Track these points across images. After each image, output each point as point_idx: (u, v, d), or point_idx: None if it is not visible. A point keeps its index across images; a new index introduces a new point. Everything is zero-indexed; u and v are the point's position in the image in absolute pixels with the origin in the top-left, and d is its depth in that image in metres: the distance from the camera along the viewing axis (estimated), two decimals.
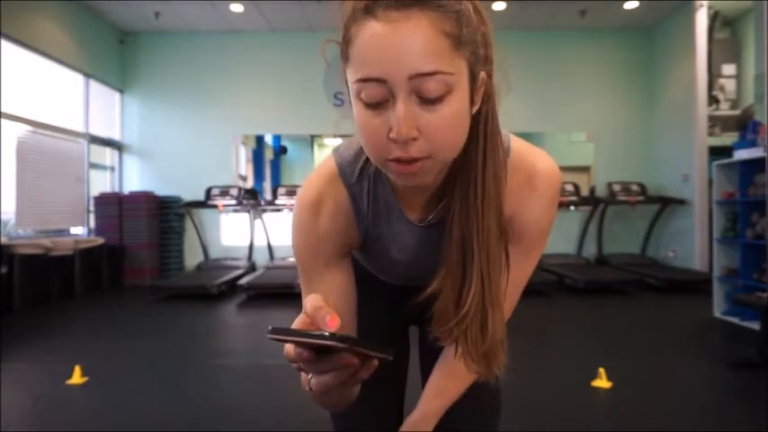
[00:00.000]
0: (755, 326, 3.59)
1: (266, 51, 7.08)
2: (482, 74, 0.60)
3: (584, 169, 7.42)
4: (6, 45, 5.04)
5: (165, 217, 6.68)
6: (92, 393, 2.61)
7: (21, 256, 4.73)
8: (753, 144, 3.86)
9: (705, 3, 5.97)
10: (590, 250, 6.85)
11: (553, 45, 7.06)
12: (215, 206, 6.44)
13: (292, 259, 6.70)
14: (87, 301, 5.30)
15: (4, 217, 5.09)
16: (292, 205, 6.85)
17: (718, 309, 4.17)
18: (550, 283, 5.21)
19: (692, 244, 6.13)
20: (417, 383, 0.96)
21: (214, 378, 2.89)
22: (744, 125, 4.42)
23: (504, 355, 0.71)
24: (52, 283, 5.17)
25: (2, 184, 4.86)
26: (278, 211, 6.75)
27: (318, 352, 0.48)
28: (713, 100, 6.41)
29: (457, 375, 0.84)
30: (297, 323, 0.52)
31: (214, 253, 6.94)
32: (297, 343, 0.48)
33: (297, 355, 0.48)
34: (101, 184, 6.82)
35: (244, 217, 6.99)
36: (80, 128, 6.33)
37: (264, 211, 6.80)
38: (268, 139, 8.99)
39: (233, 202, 6.40)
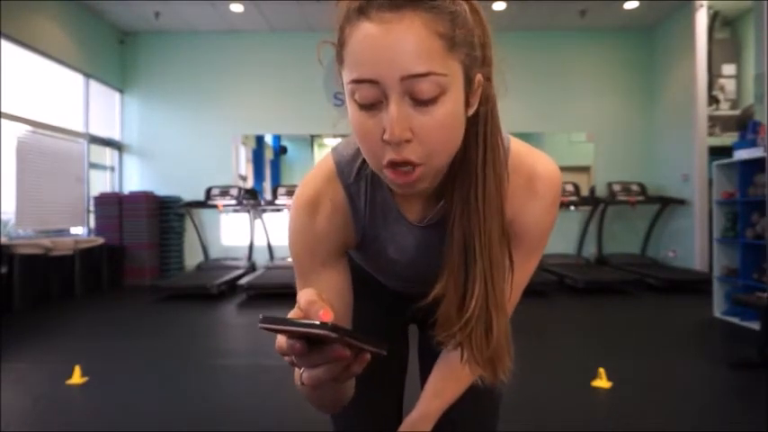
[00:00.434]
0: (755, 326, 3.59)
1: (266, 51, 7.08)
2: (478, 75, 0.60)
3: (585, 169, 7.42)
4: (6, 45, 5.04)
5: (165, 217, 6.68)
6: (92, 393, 2.61)
7: (21, 256, 4.73)
8: (753, 144, 3.86)
9: (705, 3, 5.97)
10: (590, 250, 6.85)
11: (553, 45, 7.06)
12: (215, 206, 6.44)
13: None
14: (87, 301, 5.30)
15: (4, 217, 5.09)
16: None
17: (718, 309, 4.17)
18: (550, 283, 5.21)
19: (692, 244, 6.13)
20: (417, 383, 0.96)
21: (214, 378, 2.89)
22: (744, 125, 4.42)
23: (510, 359, 0.70)
24: (52, 283, 5.17)
25: (2, 184, 4.86)
26: (278, 211, 6.75)
27: (311, 345, 0.48)
28: (713, 100, 6.41)
29: (456, 376, 0.84)
30: (290, 317, 0.51)
31: (214, 253, 6.94)
32: (288, 333, 0.47)
33: (289, 347, 0.48)
34: (101, 184, 6.82)
35: (244, 217, 6.99)
36: (80, 128, 6.33)
37: (264, 211, 6.80)
38: (268, 139, 8.99)
39: (233, 202, 6.40)
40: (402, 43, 0.53)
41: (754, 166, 3.84)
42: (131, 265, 6.28)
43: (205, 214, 6.96)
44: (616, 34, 7.10)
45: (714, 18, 6.52)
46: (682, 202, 6.25)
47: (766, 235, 3.66)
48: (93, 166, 6.58)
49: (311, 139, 8.99)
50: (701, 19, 6.03)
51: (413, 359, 1.05)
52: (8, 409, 2.38)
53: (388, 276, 0.87)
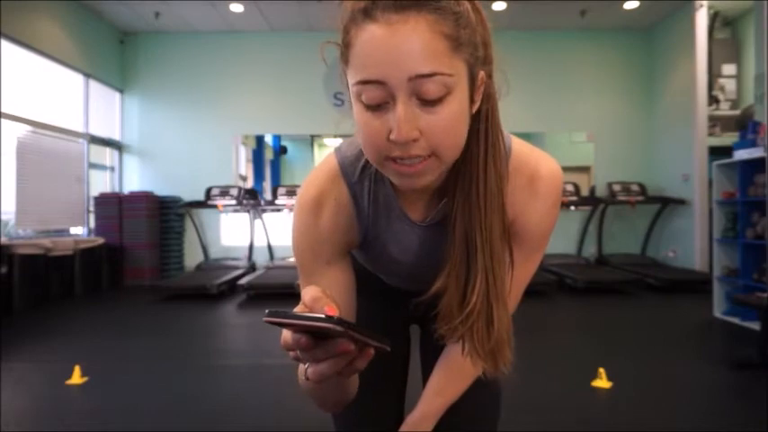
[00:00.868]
0: (755, 326, 3.59)
1: (266, 51, 7.08)
2: (481, 73, 0.61)
3: (585, 169, 7.42)
4: (6, 45, 5.04)
5: (165, 217, 6.68)
6: (92, 393, 2.61)
7: (21, 256, 4.73)
8: (753, 144, 3.86)
9: (705, 3, 5.97)
10: (590, 250, 6.85)
11: (553, 45, 7.07)
12: (215, 206, 6.44)
13: (292, 259, 6.69)
14: (87, 301, 5.30)
15: (4, 217, 5.08)
16: (293, 205, 6.84)
17: (719, 309, 4.17)
18: (550, 283, 5.21)
19: (692, 244, 6.13)
20: (418, 383, 0.96)
21: (214, 378, 2.89)
22: (744, 125, 4.42)
23: (510, 351, 0.71)
24: (52, 283, 5.17)
25: (2, 184, 4.86)
26: (278, 211, 6.75)
27: (316, 339, 0.48)
28: (713, 100, 6.41)
29: (458, 374, 0.84)
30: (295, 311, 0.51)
31: (214, 253, 6.94)
32: (293, 327, 0.47)
33: (294, 342, 0.48)
34: (101, 184, 6.82)
35: (244, 217, 6.99)
36: (80, 128, 6.33)
37: (264, 211, 6.80)
38: (268, 139, 8.99)
39: (233, 202, 6.40)
40: (408, 44, 0.53)
41: (754, 166, 3.84)
42: (131, 265, 6.28)
43: (205, 214, 6.96)
44: (616, 34, 7.10)
45: (714, 18, 6.52)
46: (682, 202, 6.25)
47: (766, 235, 3.66)
48: (93, 166, 6.57)
49: (311, 139, 8.99)
50: (701, 19, 6.03)
51: (414, 358, 1.05)
52: (8, 409, 2.38)
53: (391, 275, 0.87)
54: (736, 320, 3.93)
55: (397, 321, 1.02)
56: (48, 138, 5.67)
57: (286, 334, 0.49)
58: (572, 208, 6.86)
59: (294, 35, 6.96)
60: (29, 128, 5.37)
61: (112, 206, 6.26)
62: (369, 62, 0.55)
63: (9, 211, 5.10)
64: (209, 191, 6.51)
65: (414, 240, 0.76)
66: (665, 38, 6.76)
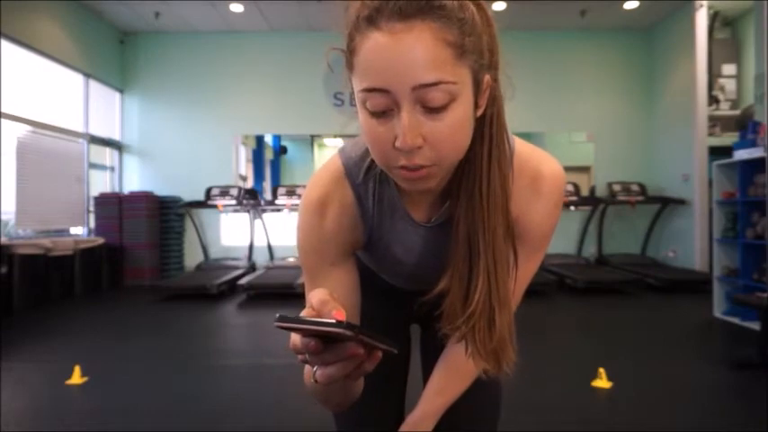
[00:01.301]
0: (755, 326, 3.59)
1: (266, 51, 7.08)
2: (486, 77, 0.61)
3: (585, 169, 7.42)
4: (6, 45, 5.04)
5: (165, 217, 6.68)
6: (92, 393, 2.61)
7: (21, 256, 4.72)
8: (753, 144, 3.86)
9: (705, 3, 5.97)
10: (590, 250, 6.85)
11: (553, 45, 7.07)
12: (215, 206, 6.44)
13: (292, 259, 6.72)
14: (87, 301, 5.30)
15: (4, 217, 5.08)
16: (293, 205, 6.82)
17: (719, 309, 4.17)
18: (550, 283, 5.21)
19: (692, 244, 6.13)
20: (419, 382, 0.96)
21: (214, 378, 2.89)
22: (744, 125, 4.42)
23: (513, 352, 0.71)
24: (52, 283, 5.17)
25: (2, 184, 4.86)
26: (278, 211, 6.75)
27: (324, 343, 0.48)
28: (713, 100, 6.41)
29: (458, 374, 0.84)
30: (303, 316, 0.52)
31: (214, 253, 6.94)
32: (303, 332, 0.48)
33: (304, 346, 0.48)
34: (101, 184, 6.82)
35: (244, 217, 6.99)
36: (80, 128, 6.33)
37: (264, 211, 6.80)
38: (268, 139, 8.99)
39: (233, 202, 6.40)
40: (412, 54, 0.53)
41: (754, 166, 3.84)
42: (131, 265, 6.28)
43: (205, 214, 6.96)
44: (616, 34, 7.10)
45: (714, 18, 6.51)
46: (682, 202, 6.25)
47: (766, 235, 3.66)
48: (93, 166, 6.57)
49: (311, 139, 8.98)
50: (701, 19, 6.03)
51: (415, 358, 1.05)
52: (8, 409, 2.38)
53: (394, 275, 0.88)
54: (736, 320, 3.93)
55: (398, 321, 1.02)
56: (48, 138, 5.67)
57: (295, 337, 0.50)
58: (572, 208, 6.86)
59: (294, 35, 6.96)
60: (29, 128, 5.37)
61: (112, 206, 6.26)
62: (373, 71, 0.55)
63: (9, 211, 5.10)
64: (209, 191, 6.51)
65: (417, 241, 0.77)
66: (665, 38, 6.76)
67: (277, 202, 6.40)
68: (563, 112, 7.13)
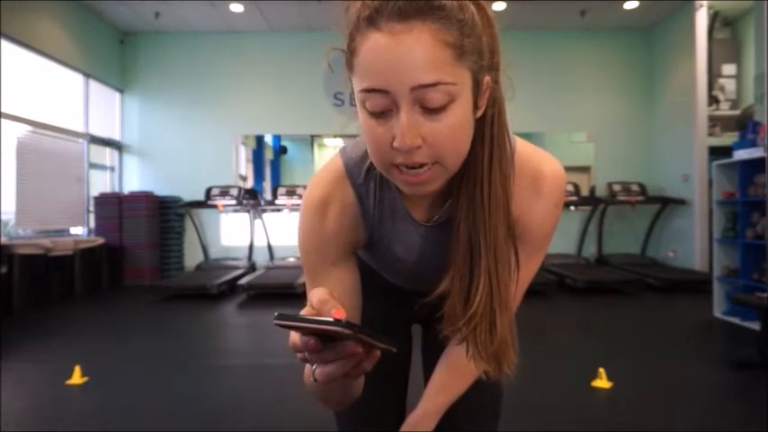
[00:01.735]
0: (756, 326, 3.59)
1: (266, 51, 7.08)
2: (486, 78, 0.61)
3: (585, 169, 7.42)
4: (6, 45, 5.04)
5: (165, 217, 6.68)
6: (92, 393, 2.61)
7: (21, 256, 4.72)
8: (753, 144, 3.86)
9: (705, 3, 5.97)
10: (590, 250, 6.85)
11: (553, 45, 7.07)
12: (215, 206, 6.44)
13: (292, 259, 6.71)
14: (87, 301, 5.30)
15: (4, 217, 5.08)
16: (293, 205, 6.80)
17: (719, 309, 4.17)
18: (550, 283, 5.21)
19: (692, 244, 6.13)
20: (420, 382, 0.96)
21: (214, 378, 2.89)
22: (744, 125, 4.42)
23: (514, 354, 0.71)
24: (52, 283, 5.17)
25: (2, 184, 4.86)
26: (278, 211, 6.75)
27: (324, 341, 0.49)
28: (713, 100, 6.41)
29: (459, 373, 0.84)
30: (303, 314, 0.52)
31: (214, 253, 6.94)
32: (302, 330, 0.48)
33: (303, 344, 0.48)
34: (101, 184, 6.82)
35: (244, 217, 6.99)
36: (80, 128, 6.33)
37: (264, 211, 6.80)
38: (268, 139, 8.99)
39: (233, 202, 6.40)
40: (411, 54, 0.53)
41: (754, 166, 3.84)
42: (131, 265, 6.28)
43: (205, 214, 6.96)
44: (616, 34, 7.10)
45: (714, 18, 6.51)
46: (682, 202, 6.25)
47: (766, 235, 3.66)
48: (93, 166, 6.58)
49: (311, 139, 8.99)
50: (701, 19, 6.03)
51: (416, 357, 1.05)
52: (8, 409, 2.38)
53: (395, 275, 0.88)
54: (736, 320, 3.93)
55: (399, 320, 1.02)
56: (48, 138, 5.67)
57: (294, 336, 0.50)
58: (572, 208, 6.86)
59: (294, 35, 6.96)
60: (29, 128, 5.37)
61: (112, 206, 6.26)
62: (372, 71, 0.55)
63: (9, 211, 5.10)
64: (209, 191, 6.51)
65: (418, 241, 0.77)
66: (665, 38, 6.76)
67: (277, 202, 6.40)
68: (563, 112, 7.13)
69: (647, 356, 3.17)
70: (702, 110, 6.04)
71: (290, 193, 6.38)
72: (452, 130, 0.57)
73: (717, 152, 5.65)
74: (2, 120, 4.90)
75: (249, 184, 8.17)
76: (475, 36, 0.57)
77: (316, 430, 2.07)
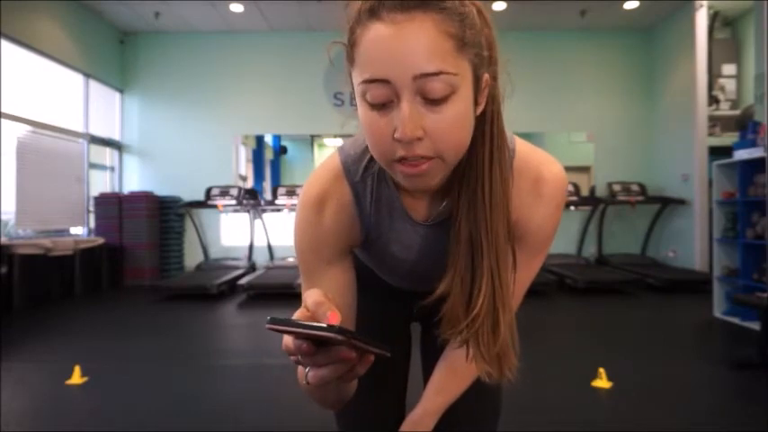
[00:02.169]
0: (756, 326, 3.59)
1: (266, 51, 7.08)
2: (485, 75, 0.61)
3: (585, 169, 7.42)
4: (6, 45, 5.04)
5: (165, 217, 6.68)
6: (92, 393, 2.61)
7: (21, 256, 4.72)
8: (753, 144, 3.86)
9: (705, 3, 5.97)
10: (590, 250, 6.85)
11: (553, 45, 7.07)
12: (215, 206, 6.44)
13: (292, 259, 6.72)
14: (87, 301, 5.30)
15: (4, 217, 5.08)
16: (293, 205, 6.80)
17: (719, 309, 4.17)
18: (550, 283, 5.20)
19: (692, 244, 6.13)
20: (420, 382, 0.96)
21: (214, 378, 2.89)
22: (744, 125, 4.42)
23: (514, 356, 0.71)
24: (52, 283, 5.17)
25: (2, 184, 4.85)
26: (278, 211, 6.75)
27: (317, 345, 0.48)
28: (713, 100, 6.41)
29: (458, 374, 0.84)
30: (296, 317, 0.51)
31: (214, 253, 6.94)
32: (295, 334, 0.48)
33: (296, 348, 0.48)
34: (101, 184, 6.82)
35: (244, 217, 6.99)
36: (80, 128, 6.33)
37: (264, 211, 6.80)
38: (268, 139, 8.99)
39: (233, 202, 6.40)
40: (413, 43, 0.53)
41: (754, 166, 3.84)
42: (131, 265, 6.28)
43: (205, 214, 6.96)
44: (616, 34, 7.10)
45: (714, 18, 6.51)
46: (682, 202, 6.25)
47: (766, 235, 3.66)
48: (93, 166, 6.58)
49: (311, 139, 8.98)
50: (701, 19, 6.03)
51: (415, 358, 1.05)
52: (8, 409, 2.38)
53: (393, 275, 0.87)
54: (736, 320, 3.93)
55: (398, 320, 1.02)
56: (48, 138, 5.67)
57: (287, 339, 0.50)
58: (572, 208, 6.86)
59: (294, 35, 6.96)
60: (29, 128, 5.37)
61: (112, 206, 6.26)
62: (374, 61, 0.55)
63: (9, 211, 5.10)
64: (209, 191, 6.51)
65: (416, 240, 0.76)
66: (665, 38, 6.76)
67: (277, 202, 6.40)
68: (563, 112, 7.13)
69: (647, 356, 3.17)
70: (702, 110, 6.04)
71: (290, 193, 6.38)
72: (453, 123, 0.57)
73: (717, 152, 5.65)
74: (2, 120, 4.91)
75: (249, 184, 8.17)
76: (475, 29, 0.57)
77: (316, 430, 2.07)
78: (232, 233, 7.08)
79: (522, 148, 0.73)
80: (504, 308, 0.67)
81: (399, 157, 0.58)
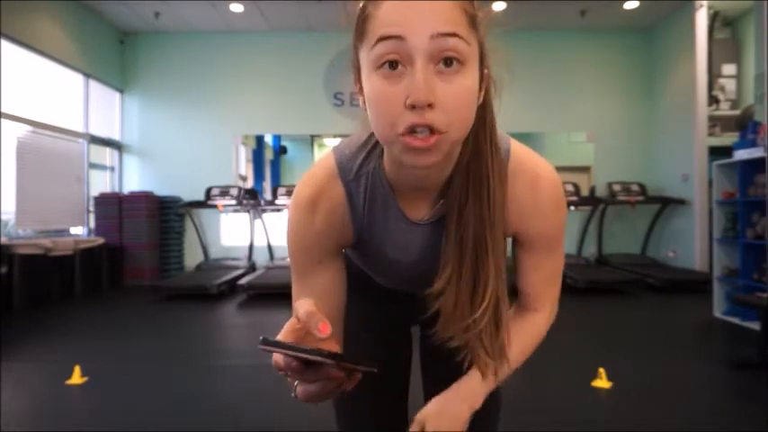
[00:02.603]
0: (756, 326, 3.59)
1: (266, 51, 7.08)
2: (485, 70, 0.62)
3: (585, 169, 7.42)
4: (6, 45, 5.04)
5: (165, 217, 6.68)
6: (91, 393, 2.61)
7: (21, 256, 4.72)
8: (753, 144, 3.86)
9: (705, 3, 5.97)
10: (590, 250, 6.85)
11: (553, 45, 7.06)
12: (215, 206, 6.44)
13: None
14: (87, 301, 5.30)
15: (4, 217, 5.08)
16: None
17: (719, 309, 4.17)
18: None
19: (692, 244, 6.13)
20: (419, 382, 0.96)
21: (214, 378, 2.89)
22: (744, 125, 4.42)
23: (509, 353, 0.72)
24: (52, 283, 5.17)
25: (2, 184, 4.85)
26: (278, 211, 6.75)
27: (306, 363, 0.50)
28: (713, 100, 6.41)
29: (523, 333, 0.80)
30: (287, 327, 0.53)
31: (214, 253, 6.94)
32: (286, 355, 0.50)
33: (286, 365, 0.50)
34: (101, 184, 6.82)
35: (244, 217, 6.99)
36: (80, 128, 6.33)
37: (264, 211, 6.80)
38: (268, 139, 8.99)
39: (233, 202, 6.40)
40: (431, 6, 0.55)
41: (754, 166, 3.84)
42: (131, 265, 6.28)
43: (205, 214, 6.96)
44: (616, 34, 7.10)
45: (714, 18, 6.51)
46: (682, 202, 6.25)
47: (766, 235, 3.66)
48: (93, 166, 6.57)
49: (311, 139, 8.99)
50: (701, 19, 6.03)
51: (415, 358, 1.05)
52: (8, 409, 2.38)
53: (388, 277, 0.87)
54: (736, 320, 3.93)
55: (398, 322, 1.02)
56: (48, 138, 5.67)
57: (277, 357, 0.51)
58: (572, 208, 6.86)
59: (294, 35, 6.96)
60: (29, 128, 5.37)
61: (112, 206, 6.26)
62: (391, 20, 0.56)
63: (9, 211, 5.10)
64: (209, 191, 6.51)
65: (411, 239, 0.76)
66: (665, 38, 6.76)
67: (277, 202, 6.40)
68: (563, 112, 7.12)
69: (647, 356, 3.17)
70: (702, 110, 6.03)
71: (290, 193, 6.37)
72: (464, 96, 0.57)
73: (717, 152, 5.65)
74: (2, 120, 4.90)
75: (249, 184, 8.17)
76: (482, 18, 0.60)
77: (316, 430, 2.07)
78: (232, 233, 7.08)
79: (516, 149, 0.73)
80: (504, 300, 0.69)
81: (407, 127, 0.56)
